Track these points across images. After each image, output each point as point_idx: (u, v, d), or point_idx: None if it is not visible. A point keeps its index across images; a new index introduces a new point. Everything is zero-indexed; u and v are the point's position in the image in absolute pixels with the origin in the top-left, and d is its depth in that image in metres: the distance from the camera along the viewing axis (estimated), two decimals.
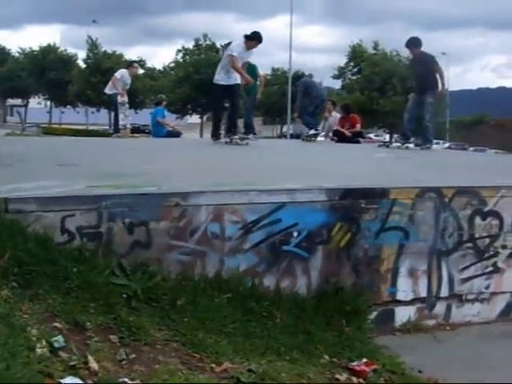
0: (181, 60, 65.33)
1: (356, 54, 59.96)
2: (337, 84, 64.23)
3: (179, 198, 5.19)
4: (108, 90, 17.15)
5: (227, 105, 13.00)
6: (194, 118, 66.95)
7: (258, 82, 15.94)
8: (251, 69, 16.99)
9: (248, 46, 12.55)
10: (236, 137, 12.75)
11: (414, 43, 13.13)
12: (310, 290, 5.59)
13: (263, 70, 44.03)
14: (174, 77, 63.59)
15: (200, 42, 64.93)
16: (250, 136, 16.08)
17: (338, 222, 5.68)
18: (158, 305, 4.60)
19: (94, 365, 3.62)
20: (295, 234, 5.51)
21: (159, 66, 72.27)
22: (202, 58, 61.92)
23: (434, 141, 16.19)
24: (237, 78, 12.36)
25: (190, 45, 65.79)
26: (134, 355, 3.94)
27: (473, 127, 71.73)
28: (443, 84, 13.12)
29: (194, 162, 8.73)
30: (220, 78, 12.45)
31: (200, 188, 5.50)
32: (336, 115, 17.98)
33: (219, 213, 5.30)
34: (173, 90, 59.78)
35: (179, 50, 65.80)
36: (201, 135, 58.17)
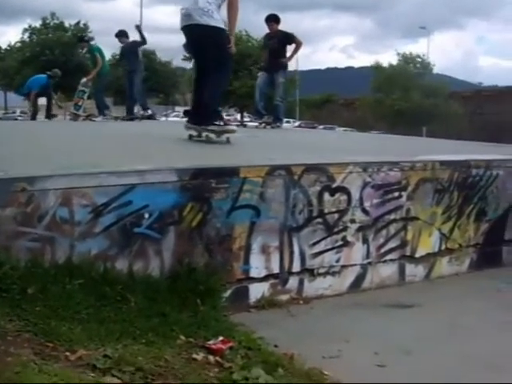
0: (28, 40, 63.37)
1: None
2: (188, 65, 64.23)
3: (26, 183, 5.01)
4: None
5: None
6: (42, 100, 65.23)
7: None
8: (97, 50, 16.88)
9: None
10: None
11: (274, 19, 13.35)
12: (164, 271, 5.56)
13: (113, 51, 43.04)
14: (21, 57, 61.54)
15: (48, 21, 63.15)
16: (100, 117, 15.91)
17: (189, 202, 5.67)
18: (8, 295, 4.43)
19: None
20: (146, 215, 5.45)
21: (5, 46, 69.79)
22: (50, 38, 60.29)
23: (285, 119, 16.56)
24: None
25: (38, 24, 63.94)
26: None
27: (322, 106, 73.68)
28: (292, 56, 13.53)
29: (46, 144, 8.44)
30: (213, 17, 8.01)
31: (48, 172, 5.34)
32: None
33: (68, 197, 5.16)
34: (19, 70, 57.83)
35: (26, 30, 63.80)
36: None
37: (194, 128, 8.65)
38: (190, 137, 8.72)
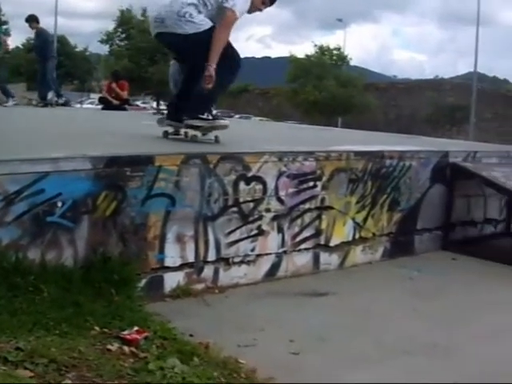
0: None
1: (124, 20, 59.40)
2: (104, 50, 63.48)
3: None
4: None
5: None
6: None
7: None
8: (1, 32, 16.51)
9: (254, 5, 7.04)
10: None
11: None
12: (77, 261, 5.45)
13: (28, 35, 42.06)
14: None
15: None
16: (10, 102, 15.58)
17: (103, 191, 5.56)
18: None
19: None
20: (59, 204, 5.31)
21: None
22: None
23: None
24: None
25: None
26: None
27: (238, 95, 73.59)
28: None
29: None
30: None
31: None
32: None
33: None
34: None
35: None
36: None
37: (172, 124, 7.50)
38: (166, 134, 7.51)
